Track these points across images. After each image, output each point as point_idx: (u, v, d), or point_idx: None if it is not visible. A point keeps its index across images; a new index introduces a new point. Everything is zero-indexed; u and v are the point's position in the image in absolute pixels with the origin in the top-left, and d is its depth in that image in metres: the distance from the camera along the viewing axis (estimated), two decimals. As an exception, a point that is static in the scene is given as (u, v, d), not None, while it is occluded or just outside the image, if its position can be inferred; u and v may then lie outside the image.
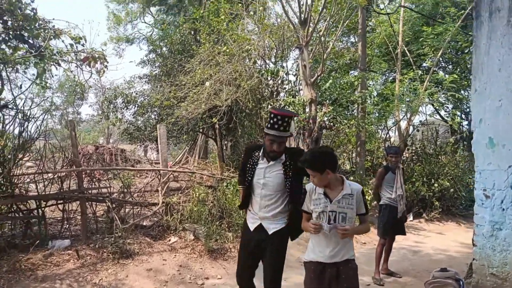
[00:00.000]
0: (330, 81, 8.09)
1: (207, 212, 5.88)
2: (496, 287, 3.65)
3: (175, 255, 5.28)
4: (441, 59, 11.17)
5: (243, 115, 8.90)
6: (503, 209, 3.61)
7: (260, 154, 3.03)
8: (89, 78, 5.82)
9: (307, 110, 8.43)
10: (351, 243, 2.75)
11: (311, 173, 2.63)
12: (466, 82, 10.60)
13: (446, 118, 12.64)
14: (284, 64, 10.49)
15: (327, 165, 2.57)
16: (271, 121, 2.93)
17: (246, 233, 3.12)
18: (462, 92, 10.93)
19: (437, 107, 11.52)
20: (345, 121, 8.24)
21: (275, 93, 10.17)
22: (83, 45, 5.50)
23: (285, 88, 9.98)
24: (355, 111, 9.02)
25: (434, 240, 7.78)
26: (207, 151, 13.32)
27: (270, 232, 2.96)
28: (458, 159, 9.60)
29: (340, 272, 2.65)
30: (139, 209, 6.03)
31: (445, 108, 11.92)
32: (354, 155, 10.90)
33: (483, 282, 3.77)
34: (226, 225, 6.11)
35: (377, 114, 10.54)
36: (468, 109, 12.22)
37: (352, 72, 9.97)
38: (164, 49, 11.53)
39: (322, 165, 2.58)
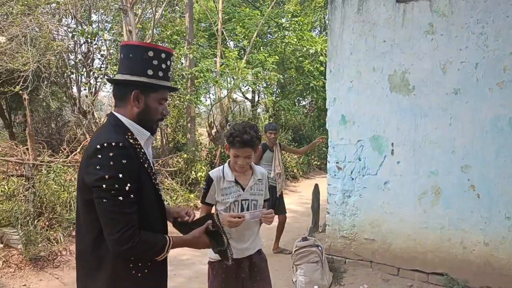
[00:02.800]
0: (163, 51, 7.39)
1: (22, 211, 4.45)
2: (346, 247, 4.16)
3: (-24, 277, 3.80)
4: (259, 40, 11.97)
5: (45, 83, 7.16)
6: (353, 179, 4.09)
7: None
8: None
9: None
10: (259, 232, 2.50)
11: (248, 153, 2.22)
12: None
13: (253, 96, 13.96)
14: (99, 26, 9.02)
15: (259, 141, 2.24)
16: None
17: None
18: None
19: (251, 85, 12.43)
20: (177, 96, 7.77)
21: (89, 60, 8.66)
22: None
23: (103, 54, 8.60)
24: (183, 85, 8.63)
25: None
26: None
27: None
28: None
29: (254, 265, 2.38)
30: None
31: (259, 87, 13.00)
32: (169, 130, 10.64)
33: (335, 244, 4.23)
34: (48, 223, 4.82)
35: (203, 90, 10.50)
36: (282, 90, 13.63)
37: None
38: None
39: (259, 141, 2.22)
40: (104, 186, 1.35)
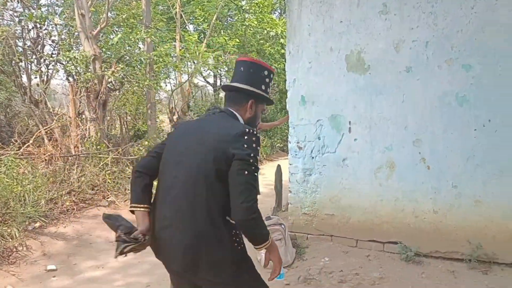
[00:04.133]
0: (119, 35, 7.11)
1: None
2: (308, 224, 4.30)
3: None
4: (219, 23, 11.79)
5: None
6: (313, 157, 4.21)
7: None
8: None
9: (91, 68, 7.20)
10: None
11: None
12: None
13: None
14: (50, 10, 8.53)
15: None
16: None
17: None
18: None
19: (212, 70, 12.29)
20: (136, 82, 7.54)
21: (39, 46, 8.18)
22: None
23: (54, 40, 8.15)
24: (141, 71, 8.38)
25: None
26: None
27: None
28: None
29: None
30: None
31: (221, 71, 12.89)
32: (129, 118, 10.37)
33: (297, 221, 4.36)
34: (1, 219, 4.59)
35: (163, 75, 10.25)
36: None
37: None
38: None
39: None
40: (250, 161, 1.62)
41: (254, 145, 1.65)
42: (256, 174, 1.64)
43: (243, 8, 11.97)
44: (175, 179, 1.73)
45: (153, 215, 1.81)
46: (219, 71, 12.99)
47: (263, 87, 1.86)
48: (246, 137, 1.65)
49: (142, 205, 1.82)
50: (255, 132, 1.69)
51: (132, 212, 1.86)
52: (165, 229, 1.74)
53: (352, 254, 3.96)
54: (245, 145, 1.63)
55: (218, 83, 14.89)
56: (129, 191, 1.89)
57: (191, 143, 1.74)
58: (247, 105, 1.84)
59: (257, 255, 4.09)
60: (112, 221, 1.80)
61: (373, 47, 3.81)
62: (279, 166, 5.41)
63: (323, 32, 4.02)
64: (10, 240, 4.33)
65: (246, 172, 1.60)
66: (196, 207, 1.66)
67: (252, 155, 1.62)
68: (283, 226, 4.07)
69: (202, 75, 13.76)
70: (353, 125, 3.97)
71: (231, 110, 1.84)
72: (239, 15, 11.81)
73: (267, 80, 1.88)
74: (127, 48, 7.76)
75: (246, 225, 1.62)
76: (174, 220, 1.71)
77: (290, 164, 4.37)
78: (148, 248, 1.86)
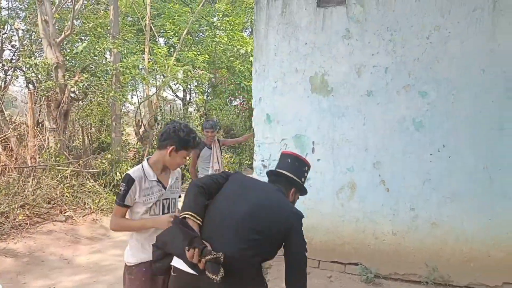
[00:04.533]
0: (84, 44, 6.91)
1: None
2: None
3: None
4: (190, 38, 11.77)
5: None
6: (277, 176, 4.20)
7: None
8: None
9: (53, 76, 6.93)
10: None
11: (188, 153, 2.25)
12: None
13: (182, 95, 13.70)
14: (10, 14, 8.19)
15: None
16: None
17: None
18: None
19: (181, 84, 12.19)
20: (100, 93, 7.33)
21: (-2, 51, 7.81)
22: None
23: (14, 45, 7.82)
24: (107, 81, 8.17)
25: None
26: None
27: None
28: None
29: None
30: None
31: (191, 86, 12.80)
32: (93, 130, 10.06)
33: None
34: None
35: (130, 87, 10.03)
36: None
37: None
38: None
39: None
40: (304, 239, 1.89)
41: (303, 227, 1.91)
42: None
43: (214, 24, 12.05)
44: (235, 214, 1.85)
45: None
46: (188, 86, 12.90)
47: (302, 180, 2.12)
48: (302, 220, 1.90)
49: (199, 218, 1.85)
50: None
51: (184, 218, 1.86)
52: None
53: (314, 275, 3.95)
54: (302, 225, 1.89)
55: (188, 98, 14.80)
56: (186, 199, 1.91)
57: (260, 197, 1.89)
58: (290, 192, 2.06)
59: None
60: (189, 229, 1.76)
61: (336, 70, 3.91)
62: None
63: (289, 53, 4.09)
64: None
65: (305, 245, 1.88)
66: (247, 246, 1.80)
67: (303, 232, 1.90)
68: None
69: (171, 88, 13.62)
70: (317, 145, 4.02)
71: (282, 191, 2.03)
72: (210, 31, 11.86)
73: (306, 174, 2.16)
74: (93, 57, 7.55)
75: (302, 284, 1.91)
76: None
77: (254, 183, 4.34)
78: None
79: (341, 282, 3.78)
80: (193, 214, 1.85)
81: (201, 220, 1.86)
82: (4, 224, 5.01)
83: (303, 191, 2.17)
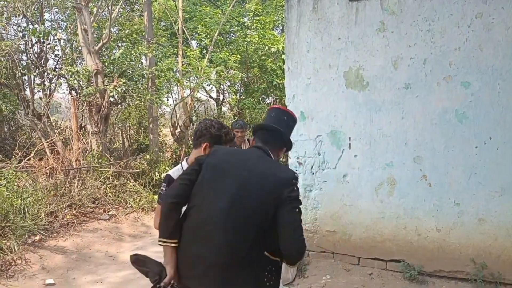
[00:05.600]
0: (121, 50, 7.19)
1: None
2: (309, 240, 4.23)
3: None
4: (222, 39, 11.91)
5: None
6: (313, 173, 4.18)
7: None
8: None
9: (93, 82, 7.26)
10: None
11: None
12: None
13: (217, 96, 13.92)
14: (53, 25, 8.65)
15: None
16: None
17: None
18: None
19: (214, 84, 12.36)
20: (137, 96, 7.59)
21: (42, 60, 8.27)
22: None
23: (57, 55, 8.25)
24: (143, 85, 8.44)
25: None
26: None
27: None
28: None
29: None
30: None
31: (223, 86, 12.96)
32: (132, 132, 10.41)
33: (297, 238, 4.30)
34: (1, 232, 4.57)
35: (165, 90, 10.32)
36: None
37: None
38: None
39: None
40: (298, 201, 1.74)
41: (298, 189, 1.78)
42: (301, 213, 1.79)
43: (245, 24, 12.11)
44: (213, 215, 1.73)
45: (183, 251, 1.79)
46: (221, 86, 13.05)
47: (290, 136, 2.03)
48: (295, 181, 1.78)
49: (173, 241, 1.78)
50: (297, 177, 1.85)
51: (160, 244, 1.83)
52: (198, 266, 1.74)
53: (354, 272, 3.90)
54: (295, 188, 1.76)
55: (221, 98, 14.98)
56: (162, 223, 1.81)
57: (239, 181, 1.76)
58: (279, 151, 1.97)
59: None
60: (141, 266, 1.82)
61: (371, 64, 3.82)
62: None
63: (322, 49, 4.05)
64: (9, 253, 4.32)
65: (297, 210, 1.72)
66: (239, 245, 1.71)
67: (299, 198, 1.76)
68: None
69: (205, 89, 13.84)
70: (353, 141, 3.95)
71: (267, 149, 1.91)
72: (241, 31, 11.93)
73: (293, 130, 2.07)
74: (130, 63, 7.83)
75: (300, 256, 1.75)
76: (212, 257, 1.72)
77: (290, 180, 4.33)
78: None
79: (382, 279, 3.71)
80: (163, 240, 1.78)
81: (174, 241, 1.77)
82: (54, 223, 5.33)
83: (291, 147, 2.08)
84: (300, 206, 1.74)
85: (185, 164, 2.34)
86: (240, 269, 1.71)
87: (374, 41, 3.81)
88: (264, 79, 12.94)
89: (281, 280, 2.96)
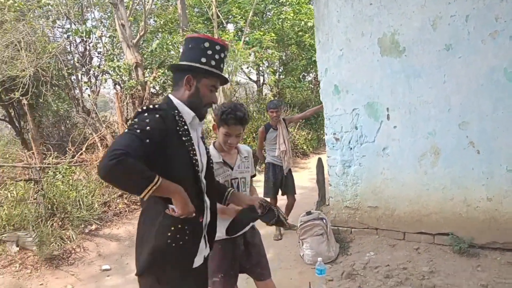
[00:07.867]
0: (157, 41, 7.36)
1: (33, 213, 4.59)
2: (351, 217, 4.15)
3: (-4, 279, 3.96)
4: (257, 19, 11.76)
5: (46, 87, 7.21)
6: (351, 148, 4.05)
7: None
8: None
9: (134, 75, 7.53)
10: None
11: (239, 131, 2.21)
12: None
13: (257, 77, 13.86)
14: (95, 24, 9.03)
15: None
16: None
17: None
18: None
19: (252, 66, 12.30)
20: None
21: (87, 58, 8.72)
22: None
23: (100, 52, 8.63)
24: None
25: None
26: None
27: None
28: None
29: (248, 241, 2.41)
30: None
31: (262, 67, 12.85)
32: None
33: (339, 215, 4.23)
34: (61, 223, 4.97)
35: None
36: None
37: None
38: None
39: (249, 119, 2.27)
40: (130, 123, 1.48)
41: (143, 119, 1.46)
42: (137, 131, 1.43)
43: (279, 1, 11.82)
44: None
45: None
46: (260, 67, 12.94)
47: (203, 60, 1.63)
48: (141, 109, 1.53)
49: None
50: (152, 108, 1.53)
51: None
52: None
53: (399, 248, 3.76)
54: (135, 119, 1.50)
55: (261, 80, 14.88)
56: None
57: None
58: (183, 83, 1.65)
59: (299, 251, 4.04)
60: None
61: (407, 27, 3.57)
62: (320, 159, 5.28)
63: (353, 16, 3.84)
64: (69, 242, 4.68)
65: (125, 131, 1.46)
66: None
67: (136, 120, 1.47)
68: (324, 220, 3.98)
69: (244, 72, 13.82)
70: (392, 111, 3.75)
71: (168, 95, 1.69)
72: (275, 9, 11.68)
73: (209, 52, 1.63)
74: (169, 52, 7.99)
75: (109, 174, 1.34)
76: None
77: (328, 157, 4.24)
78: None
79: (430, 253, 3.54)
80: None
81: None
82: (107, 213, 5.67)
83: (211, 74, 1.65)
84: (131, 127, 1.44)
85: (211, 147, 2.35)
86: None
87: (409, 2, 3.54)
88: (303, 55, 12.64)
89: (320, 258, 2.94)
